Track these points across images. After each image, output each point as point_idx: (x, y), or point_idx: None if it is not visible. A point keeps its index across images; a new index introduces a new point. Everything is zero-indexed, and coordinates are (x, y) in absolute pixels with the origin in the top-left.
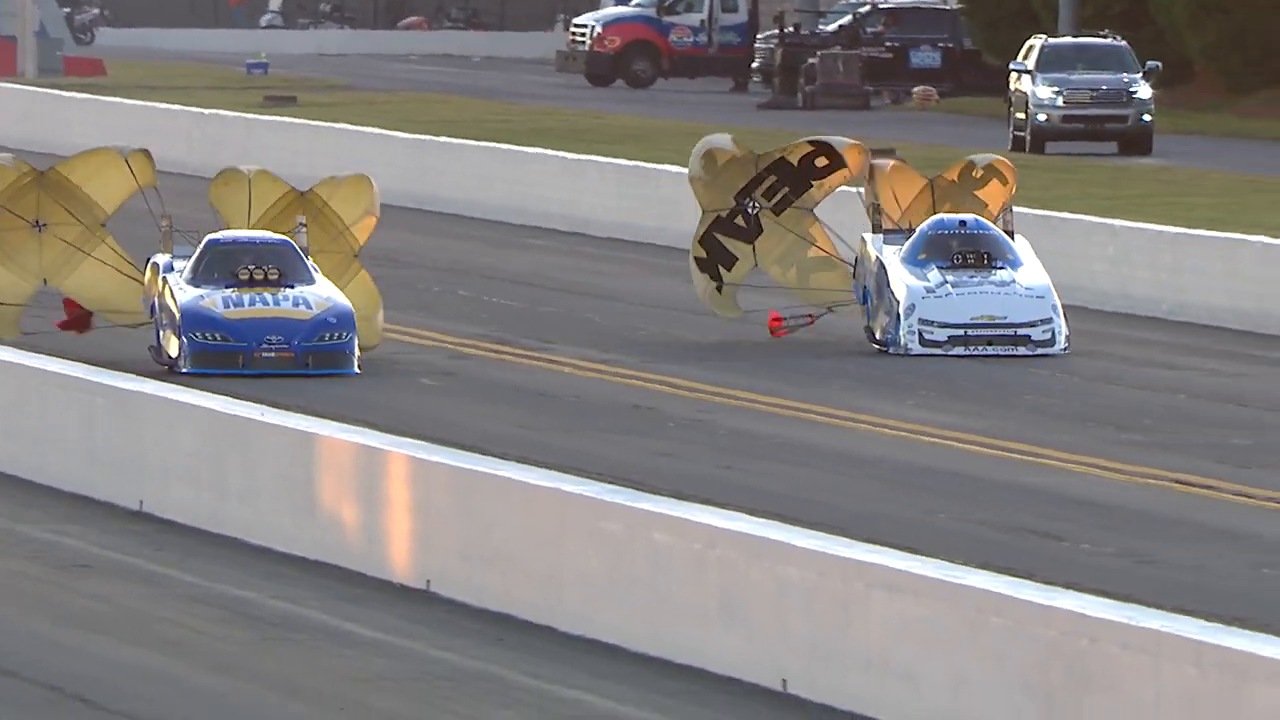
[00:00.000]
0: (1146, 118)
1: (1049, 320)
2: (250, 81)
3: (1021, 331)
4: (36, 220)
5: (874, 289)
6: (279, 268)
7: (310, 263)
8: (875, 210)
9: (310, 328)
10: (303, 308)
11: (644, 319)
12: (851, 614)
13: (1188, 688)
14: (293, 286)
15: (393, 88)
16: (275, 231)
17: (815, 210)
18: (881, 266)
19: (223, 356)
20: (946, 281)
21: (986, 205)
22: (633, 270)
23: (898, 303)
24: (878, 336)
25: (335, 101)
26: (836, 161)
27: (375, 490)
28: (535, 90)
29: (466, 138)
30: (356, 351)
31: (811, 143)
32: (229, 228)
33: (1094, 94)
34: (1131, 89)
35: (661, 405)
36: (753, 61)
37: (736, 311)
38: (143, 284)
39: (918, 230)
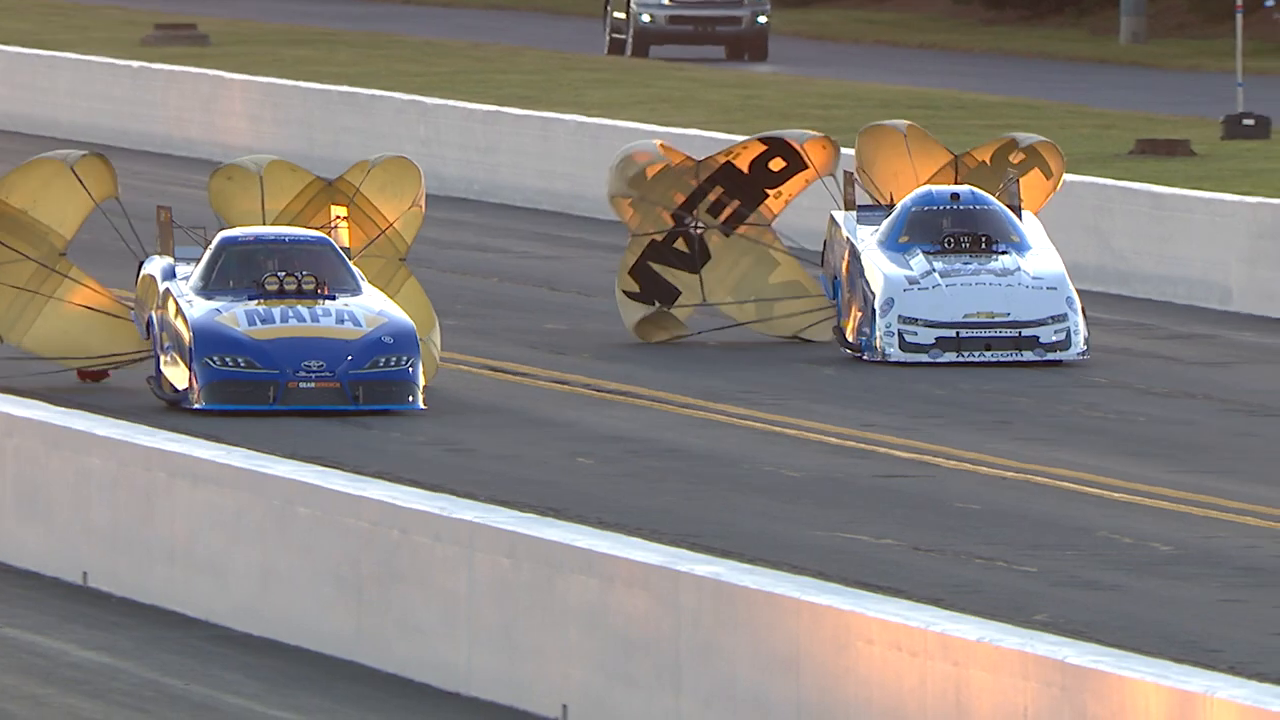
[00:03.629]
0: (762, 19)
1: (1062, 318)
2: None
3: (1028, 332)
4: None
5: (845, 280)
6: (316, 274)
7: (355, 267)
8: (848, 181)
9: (360, 350)
10: (349, 325)
11: None
12: (155, 505)
13: (501, 579)
14: (334, 298)
15: None
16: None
17: (773, 225)
18: (854, 252)
19: (248, 389)
20: (934, 270)
21: (1024, 202)
22: None
23: (873, 296)
24: (849, 338)
25: None
26: (795, 162)
27: None
28: None
29: None
30: (421, 381)
31: (764, 140)
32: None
33: None
34: None
35: None
36: None
37: (681, 330)
38: (126, 319)
39: (899, 206)
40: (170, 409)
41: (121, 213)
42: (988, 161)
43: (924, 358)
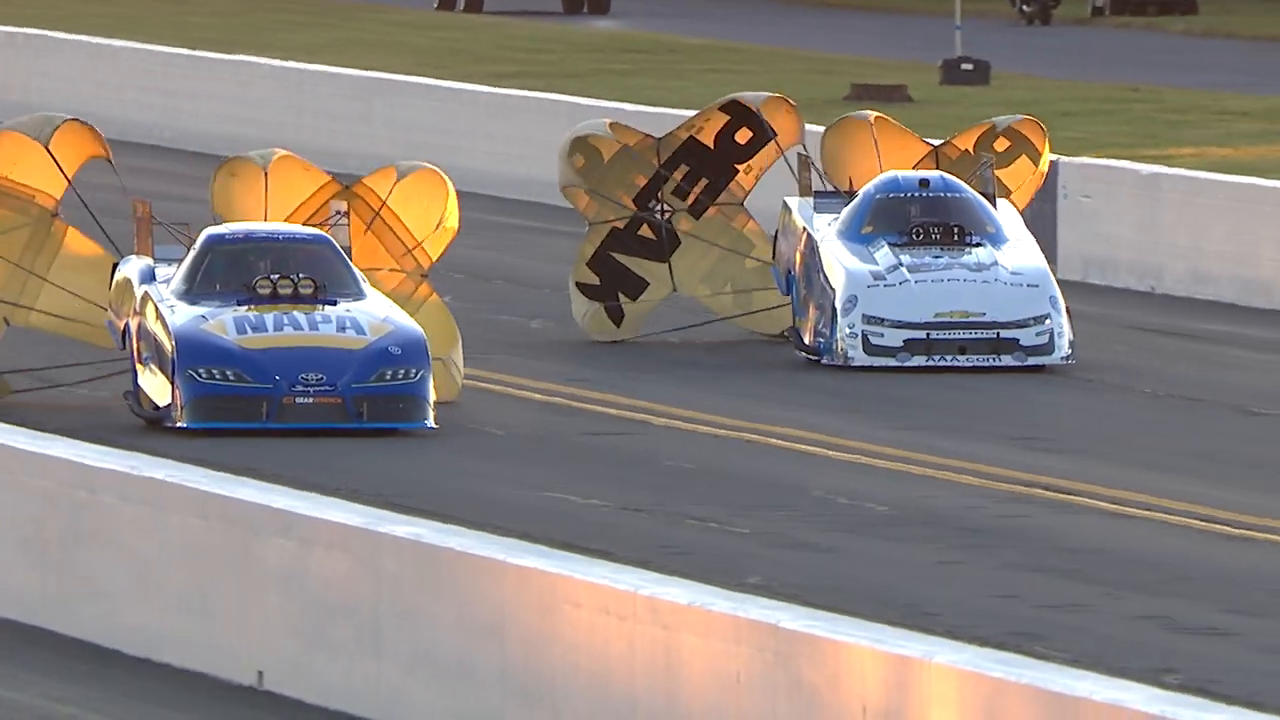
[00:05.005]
0: None
1: (1044, 318)
2: None
3: (1007, 334)
4: None
5: (801, 275)
6: (313, 276)
7: (356, 270)
8: (803, 164)
9: (364, 362)
10: (351, 333)
11: None
12: None
13: (194, 541)
14: (334, 303)
15: None
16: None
17: (745, 203)
18: (811, 243)
19: (238, 404)
20: (901, 264)
21: (1012, 192)
22: None
23: (833, 293)
24: (806, 340)
25: None
26: (761, 133)
27: None
28: None
29: None
30: (431, 397)
31: (725, 108)
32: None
33: None
34: None
35: None
36: None
37: (635, 331)
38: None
39: (861, 193)
40: (149, 427)
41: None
42: (970, 150)
43: (891, 361)
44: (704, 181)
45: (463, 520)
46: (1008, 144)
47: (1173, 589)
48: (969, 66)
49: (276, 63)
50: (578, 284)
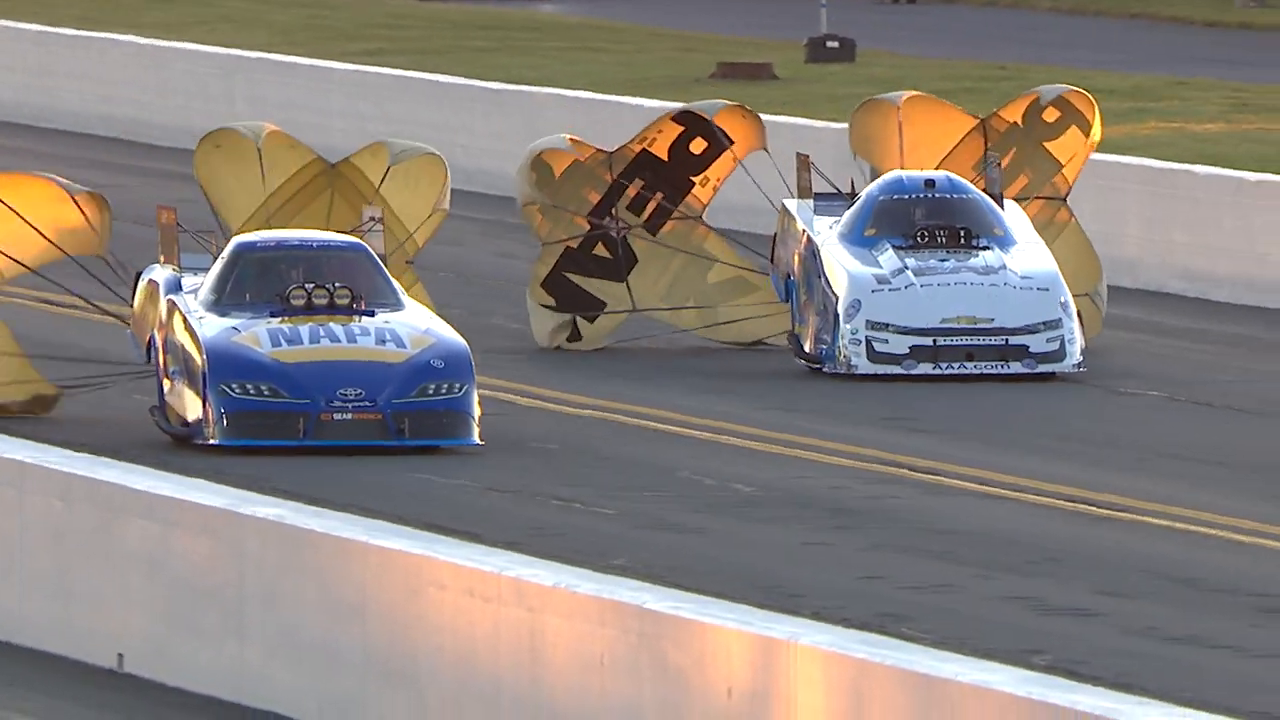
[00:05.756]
0: None
1: (1055, 323)
2: None
3: (1016, 340)
4: None
5: (801, 279)
6: (350, 285)
7: (393, 279)
8: (802, 164)
9: (405, 376)
10: (391, 345)
11: None
12: None
13: (55, 523)
14: (373, 314)
15: None
16: (295, 223)
17: (704, 215)
18: (811, 247)
19: (273, 421)
20: (906, 268)
21: (1063, 167)
22: None
23: (835, 299)
24: (807, 347)
25: None
26: (716, 142)
27: None
28: None
29: None
30: (476, 412)
31: (679, 119)
32: (222, 218)
33: None
34: None
35: None
36: None
37: (597, 345)
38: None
39: (863, 194)
40: (177, 443)
41: None
42: (1019, 122)
43: (896, 369)
44: (659, 195)
45: (326, 501)
46: (1057, 114)
47: (1041, 570)
48: (834, 45)
49: (138, 39)
50: (540, 306)
